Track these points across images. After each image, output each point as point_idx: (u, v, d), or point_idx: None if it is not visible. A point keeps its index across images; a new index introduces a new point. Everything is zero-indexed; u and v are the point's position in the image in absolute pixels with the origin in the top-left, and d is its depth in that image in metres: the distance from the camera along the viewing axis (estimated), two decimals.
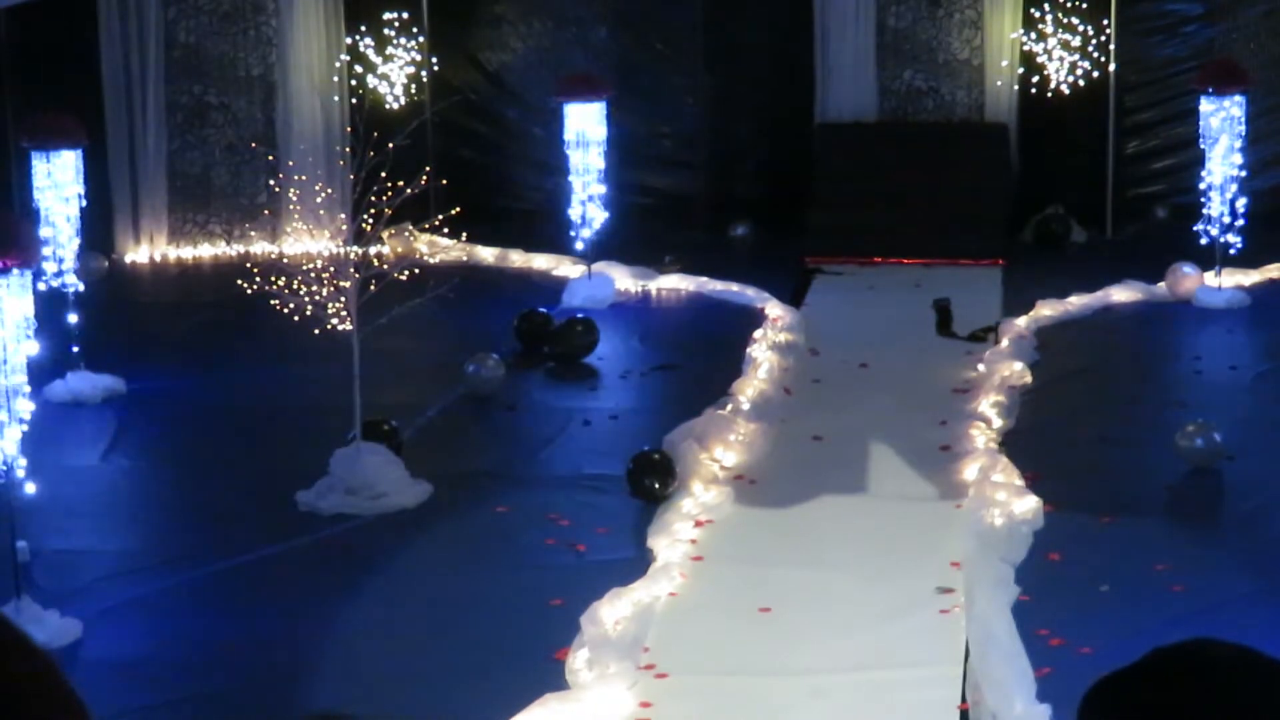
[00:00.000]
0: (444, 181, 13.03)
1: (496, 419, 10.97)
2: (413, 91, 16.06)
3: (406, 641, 7.64)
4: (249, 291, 9.90)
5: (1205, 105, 13.45)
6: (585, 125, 13.76)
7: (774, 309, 13.10)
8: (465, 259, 15.16)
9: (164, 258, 15.78)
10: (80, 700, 1.93)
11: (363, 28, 15.92)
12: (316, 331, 9.48)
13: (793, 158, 15.97)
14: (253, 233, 15.85)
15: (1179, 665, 1.97)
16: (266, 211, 15.86)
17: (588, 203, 13.87)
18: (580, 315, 12.56)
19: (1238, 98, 13.34)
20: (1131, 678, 1.99)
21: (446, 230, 13.18)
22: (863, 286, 14.36)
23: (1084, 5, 15.57)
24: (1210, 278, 13.50)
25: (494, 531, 9.01)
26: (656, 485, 9.24)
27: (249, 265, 10.63)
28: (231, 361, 12.30)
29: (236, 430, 10.85)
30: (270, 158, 15.58)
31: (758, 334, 12.30)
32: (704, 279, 14.25)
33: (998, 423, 10.42)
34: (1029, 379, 11.31)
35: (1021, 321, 12.54)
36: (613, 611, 7.59)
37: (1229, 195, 13.48)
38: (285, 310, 9.48)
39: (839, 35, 15.97)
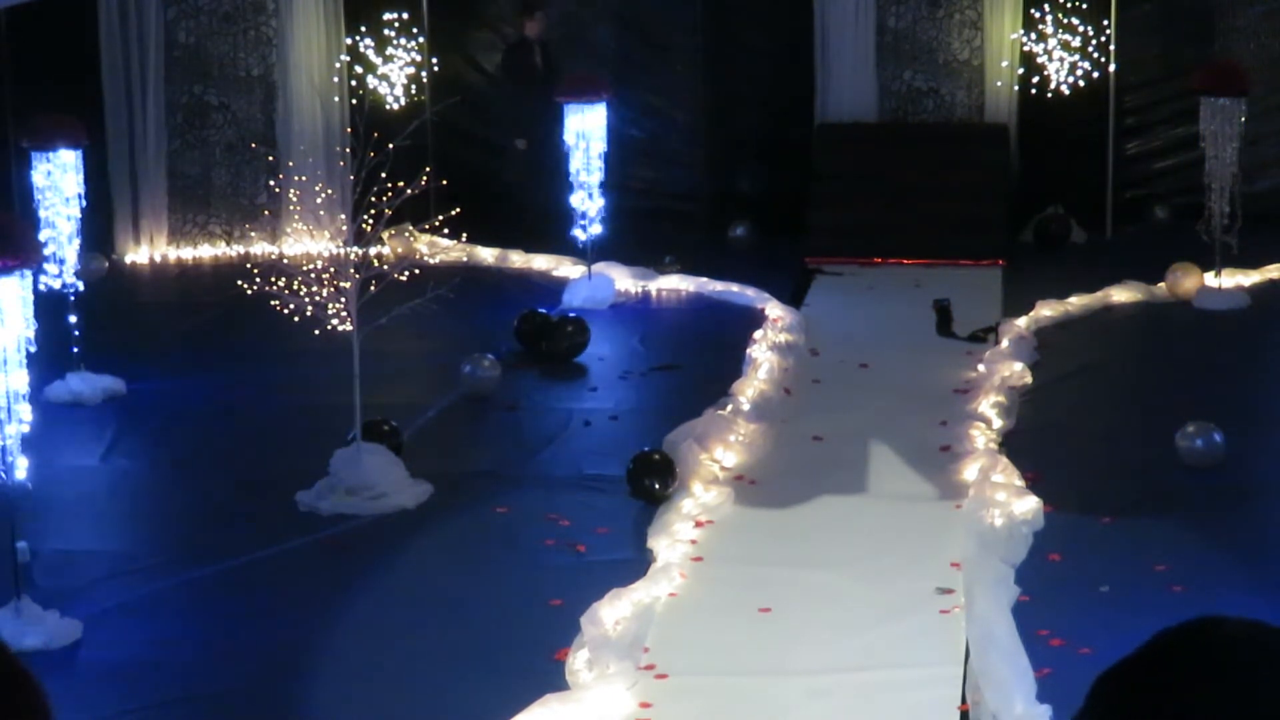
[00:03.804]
0: (444, 181, 13.03)
1: (496, 419, 10.97)
2: (413, 91, 16.06)
3: (406, 641, 7.64)
4: (249, 291, 9.90)
5: (1205, 106, 13.44)
6: (585, 125, 13.76)
7: (774, 309, 13.10)
8: (465, 259, 15.16)
9: (164, 258, 15.79)
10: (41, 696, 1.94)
11: (363, 28, 15.92)
12: (316, 331, 9.48)
13: (793, 158, 15.97)
14: (253, 233, 15.85)
15: (1184, 647, 1.97)
16: (266, 212, 15.85)
17: (588, 202, 13.87)
18: (571, 315, 12.56)
19: (1237, 98, 13.33)
20: (1137, 663, 1.98)
21: (446, 230, 13.18)
22: (863, 286, 14.36)
23: (1084, 5, 15.57)
24: (1210, 278, 13.51)
25: (494, 531, 9.01)
26: (656, 485, 9.24)
27: (249, 265, 10.63)
28: (231, 361, 12.30)
29: (236, 430, 10.86)
30: (270, 158, 15.58)
31: (758, 334, 12.30)
32: (704, 279, 14.25)
33: (998, 423, 10.42)
34: (1029, 379, 11.31)
35: (1021, 321, 12.54)
36: (613, 612, 7.59)
37: (1229, 195, 13.47)
38: (285, 310, 9.48)
39: (839, 35, 15.98)
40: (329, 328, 9.38)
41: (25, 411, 7.66)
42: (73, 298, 11.18)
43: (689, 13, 16.36)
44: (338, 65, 15.51)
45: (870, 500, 9.41)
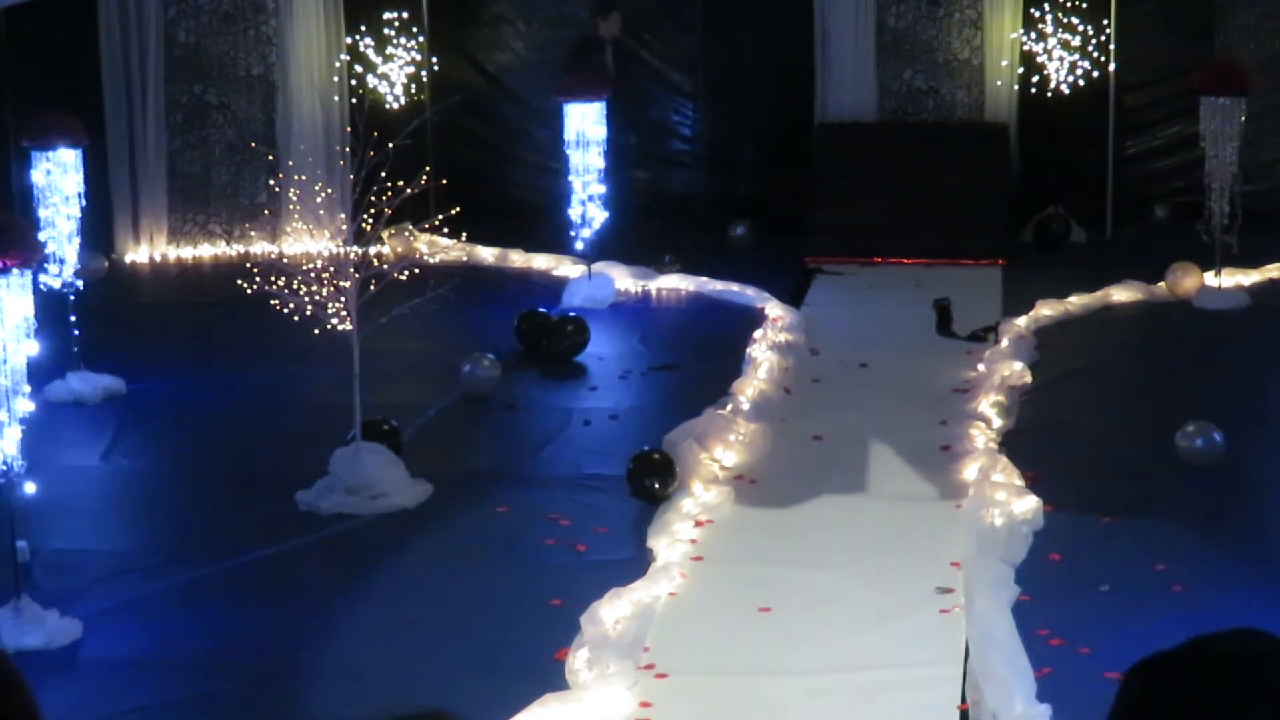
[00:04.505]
0: (444, 181, 13.03)
1: (496, 419, 10.97)
2: (413, 91, 16.07)
3: (406, 641, 7.64)
4: (249, 291, 9.90)
5: (1205, 106, 13.44)
6: (585, 125, 13.76)
7: (774, 309, 13.10)
8: (465, 259, 15.16)
9: (164, 258, 15.79)
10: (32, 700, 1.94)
11: (363, 28, 15.92)
12: (316, 331, 9.48)
13: (793, 158, 15.97)
14: (253, 233, 15.86)
15: (1216, 654, 1.97)
16: (266, 211, 15.86)
17: (588, 203, 13.87)
18: (571, 315, 12.56)
19: (1237, 98, 13.33)
20: (1167, 667, 1.99)
21: (446, 230, 13.18)
22: (863, 286, 14.36)
23: (1084, 5, 15.57)
24: (1210, 278, 13.50)
25: (494, 531, 9.01)
26: (656, 485, 9.24)
27: (249, 265, 10.63)
28: (231, 361, 12.30)
29: (236, 430, 10.85)
30: (270, 158, 15.58)
31: (758, 334, 12.30)
32: (704, 279, 14.25)
33: (998, 423, 10.42)
34: (1029, 379, 11.31)
35: (1021, 321, 12.54)
36: (613, 611, 7.59)
37: (1229, 195, 13.47)
38: (285, 310, 9.48)
39: (839, 35, 15.97)
40: (329, 327, 9.38)
41: (26, 410, 7.66)
42: (73, 298, 11.18)
43: (689, 13, 16.36)
44: (338, 65, 15.52)
45: (870, 500, 9.40)
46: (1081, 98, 15.67)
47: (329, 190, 11.64)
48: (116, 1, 15.44)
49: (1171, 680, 1.97)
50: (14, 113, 13.64)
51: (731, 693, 7.13)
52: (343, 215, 9.61)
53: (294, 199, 15.15)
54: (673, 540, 8.64)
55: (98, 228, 14.02)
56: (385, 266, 9.65)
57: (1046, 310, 12.94)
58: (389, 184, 9.29)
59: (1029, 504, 8.80)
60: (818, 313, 13.37)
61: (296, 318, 9.44)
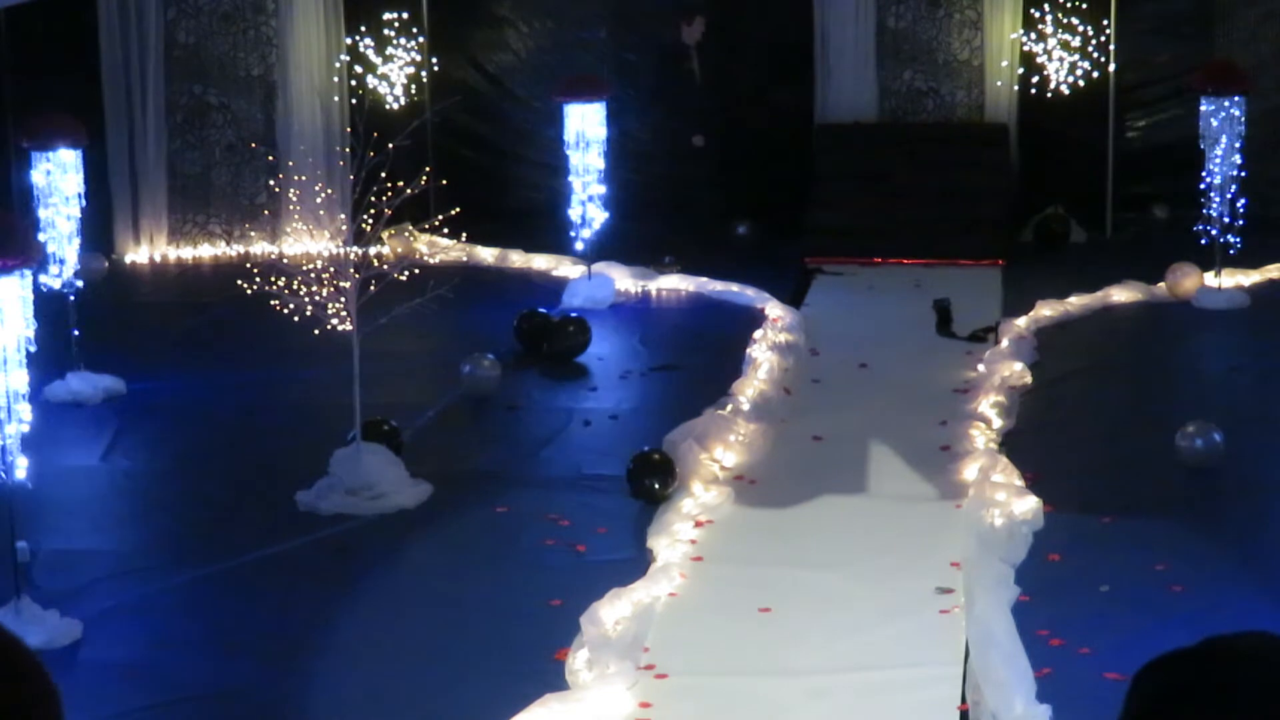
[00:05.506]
0: (444, 181, 13.03)
1: (496, 419, 10.97)
2: (413, 91, 16.07)
3: (406, 642, 7.64)
4: (249, 291, 9.90)
5: (1205, 106, 13.44)
6: (585, 125, 13.76)
7: (774, 309, 13.10)
8: (465, 259, 15.16)
9: (164, 258, 15.79)
10: (52, 685, 1.94)
11: (363, 28, 15.92)
12: (316, 331, 9.48)
13: (793, 158, 15.97)
14: (253, 233, 15.86)
15: (1234, 650, 1.98)
16: (266, 211, 15.86)
17: (588, 203, 13.87)
18: (572, 315, 12.56)
19: (1237, 98, 13.34)
20: (1184, 662, 1.99)
21: (446, 230, 13.18)
22: (863, 286, 14.36)
23: (1084, 5, 15.57)
24: (1210, 278, 13.50)
25: (494, 531, 9.01)
26: (656, 485, 9.24)
27: (249, 265, 10.63)
28: (231, 361, 12.30)
29: (236, 430, 10.85)
30: (270, 158, 15.58)
31: (758, 334, 12.30)
32: (704, 279, 14.25)
33: (998, 423, 10.42)
34: (1029, 379, 11.31)
35: (1021, 321, 12.54)
36: (613, 611, 7.59)
37: (1229, 195, 13.47)
38: (285, 310, 9.48)
39: (839, 36, 15.97)
40: (329, 328, 9.38)
41: (25, 411, 7.66)
42: (73, 298, 11.18)
43: (689, 13, 16.36)
44: (338, 65, 15.52)
45: (870, 500, 9.40)
46: (1081, 98, 15.67)
47: (329, 190, 11.66)
48: (116, 1, 15.44)
49: (1189, 674, 1.97)
50: (14, 113, 13.64)
51: (731, 693, 7.14)
52: (343, 215, 9.62)
53: (294, 199, 15.15)
54: (673, 540, 8.64)
55: (98, 228, 14.02)
56: (385, 266, 9.65)
57: (1046, 310, 12.93)
58: (389, 184, 9.29)
59: (1029, 504, 8.80)
60: (818, 313, 13.37)
61: (296, 318, 9.45)
